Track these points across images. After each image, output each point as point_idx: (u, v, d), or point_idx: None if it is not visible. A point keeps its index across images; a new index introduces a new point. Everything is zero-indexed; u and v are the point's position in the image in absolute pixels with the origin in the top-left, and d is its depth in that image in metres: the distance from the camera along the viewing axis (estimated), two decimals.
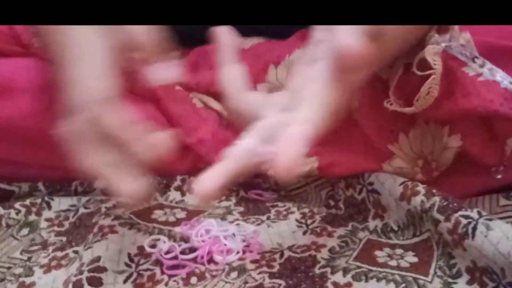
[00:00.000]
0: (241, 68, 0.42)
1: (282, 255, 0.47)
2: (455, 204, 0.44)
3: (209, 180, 0.36)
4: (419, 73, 0.45)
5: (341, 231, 0.49)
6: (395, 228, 0.49)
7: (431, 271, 0.43)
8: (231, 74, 0.41)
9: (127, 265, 0.46)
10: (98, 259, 0.46)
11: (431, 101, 0.46)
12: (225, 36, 0.42)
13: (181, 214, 0.54)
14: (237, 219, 0.52)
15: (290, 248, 0.47)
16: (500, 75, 0.46)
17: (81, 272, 0.44)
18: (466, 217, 0.42)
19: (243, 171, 0.37)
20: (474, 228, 0.41)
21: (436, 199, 0.45)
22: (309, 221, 0.51)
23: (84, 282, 0.43)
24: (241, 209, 0.55)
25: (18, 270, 0.47)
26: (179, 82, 0.61)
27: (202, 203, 0.37)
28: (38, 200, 0.56)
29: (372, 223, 0.50)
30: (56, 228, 0.54)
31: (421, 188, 0.47)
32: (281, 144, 0.35)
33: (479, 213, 0.42)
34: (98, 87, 0.42)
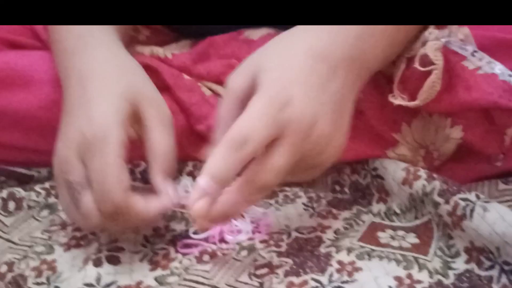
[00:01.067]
0: None
1: (289, 235, 0.49)
2: (455, 188, 0.46)
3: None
4: (421, 68, 0.47)
5: (346, 214, 0.52)
6: (398, 211, 0.51)
7: (431, 251, 0.45)
8: None
9: (143, 245, 0.49)
10: (115, 240, 0.49)
11: (434, 95, 0.48)
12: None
13: None
14: None
15: (297, 229, 0.50)
16: (498, 68, 0.48)
17: (100, 251, 0.47)
18: (465, 199, 0.45)
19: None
20: (472, 210, 0.43)
21: (437, 183, 0.47)
22: (315, 205, 0.54)
23: (103, 260, 0.46)
24: None
25: (40, 248, 0.49)
26: (189, 71, 0.63)
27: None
28: None
29: (376, 207, 0.52)
30: None
31: (422, 172, 0.49)
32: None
33: (477, 196, 0.45)
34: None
